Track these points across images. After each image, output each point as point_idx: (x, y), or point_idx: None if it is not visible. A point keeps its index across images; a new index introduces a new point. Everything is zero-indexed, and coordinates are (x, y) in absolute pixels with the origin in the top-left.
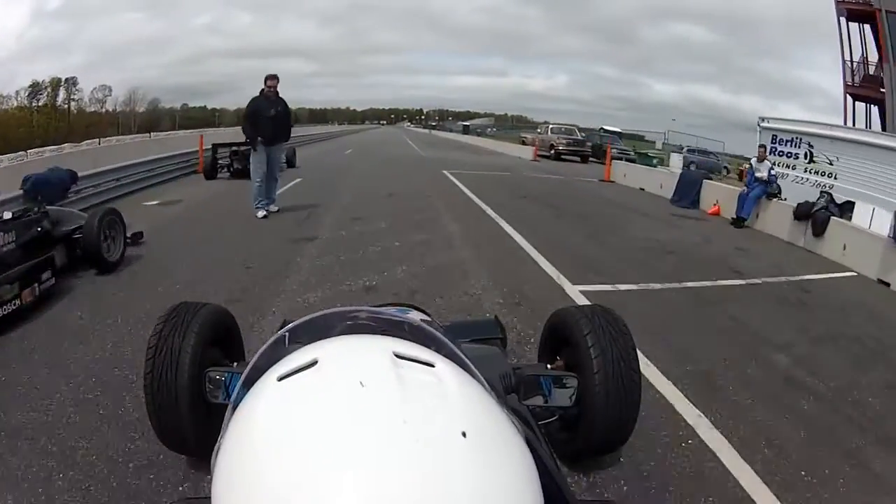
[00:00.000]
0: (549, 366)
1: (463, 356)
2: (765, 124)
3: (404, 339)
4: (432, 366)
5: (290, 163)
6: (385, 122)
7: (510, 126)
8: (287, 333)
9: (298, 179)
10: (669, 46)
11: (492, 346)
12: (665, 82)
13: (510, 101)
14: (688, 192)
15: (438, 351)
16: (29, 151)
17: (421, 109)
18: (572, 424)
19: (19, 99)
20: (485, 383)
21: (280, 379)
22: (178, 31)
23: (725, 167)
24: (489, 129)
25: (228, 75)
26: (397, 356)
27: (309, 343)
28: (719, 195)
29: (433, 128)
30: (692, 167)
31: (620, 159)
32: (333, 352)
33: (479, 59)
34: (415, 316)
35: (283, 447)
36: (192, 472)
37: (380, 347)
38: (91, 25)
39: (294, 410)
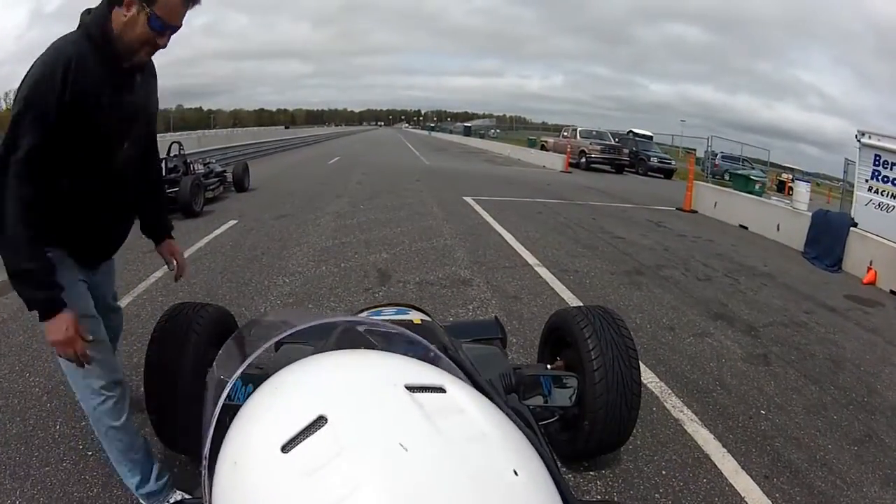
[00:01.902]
0: (549, 366)
1: (463, 356)
2: (866, 140)
3: (405, 353)
4: (444, 390)
5: (240, 185)
6: (382, 122)
7: (508, 126)
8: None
9: (230, 223)
10: (664, 47)
11: (492, 346)
12: (660, 82)
13: (507, 101)
14: (829, 244)
15: (440, 352)
16: None
17: (419, 110)
18: (572, 424)
19: (8, 101)
20: (485, 384)
21: (284, 449)
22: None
23: (759, 178)
24: (492, 131)
25: (224, 77)
26: (409, 388)
27: (303, 345)
28: (873, 252)
29: (433, 129)
30: (727, 176)
31: (661, 171)
32: (340, 401)
33: (476, 61)
34: (415, 316)
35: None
36: (187, 469)
37: (390, 383)
38: None
39: (321, 496)
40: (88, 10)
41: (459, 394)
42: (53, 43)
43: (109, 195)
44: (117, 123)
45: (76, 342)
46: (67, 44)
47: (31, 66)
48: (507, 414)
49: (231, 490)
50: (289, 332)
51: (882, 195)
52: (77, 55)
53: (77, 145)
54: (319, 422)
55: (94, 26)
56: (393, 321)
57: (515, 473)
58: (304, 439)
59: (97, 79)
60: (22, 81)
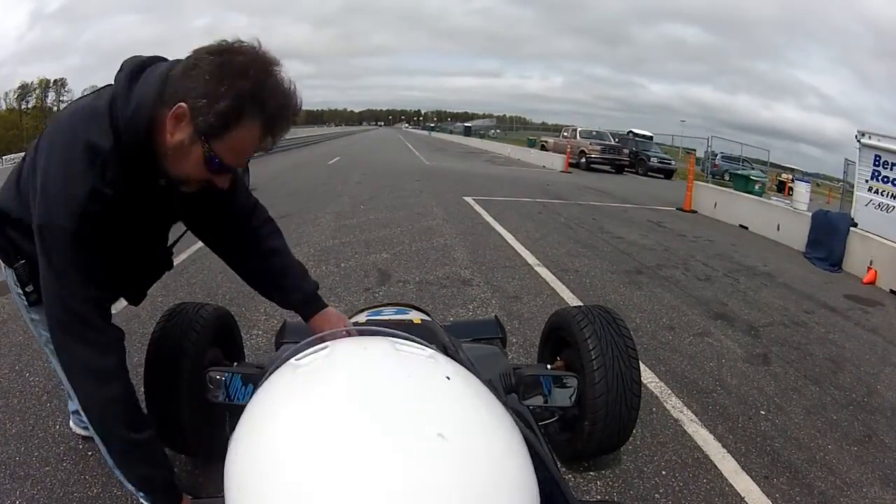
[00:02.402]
0: (549, 366)
1: (463, 355)
2: (866, 140)
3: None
4: (426, 352)
5: None
6: (382, 123)
7: (508, 127)
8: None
9: None
10: (664, 47)
11: (492, 345)
12: (660, 82)
13: (507, 101)
14: (829, 244)
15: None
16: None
17: (419, 110)
18: (572, 424)
19: (8, 101)
20: (485, 384)
21: (296, 361)
22: (174, 33)
23: (759, 178)
24: (493, 131)
25: None
26: (395, 343)
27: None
28: (873, 252)
29: (433, 129)
30: (727, 177)
31: (661, 171)
32: (343, 341)
33: (476, 61)
34: (415, 316)
35: (303, 430)
36: (186, 469)
37: (385, 340)
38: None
39: (310, 389)
40: (129, 84)
41: (443, 360)
42: (70, 127)
43: (147, 266)
44: (159, 228)
45: None
46: (93, 140)
47: (47, 161)
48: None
49: (254, 399)
50: (296, 348)
51: (882, 195)
52: (115, 183)
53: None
54: (324, 348)
55: (133, 134)
56: (393, 321)
57: (448, 378)
58: (310, 353)
59: (133, 204)
60: (42, 180)
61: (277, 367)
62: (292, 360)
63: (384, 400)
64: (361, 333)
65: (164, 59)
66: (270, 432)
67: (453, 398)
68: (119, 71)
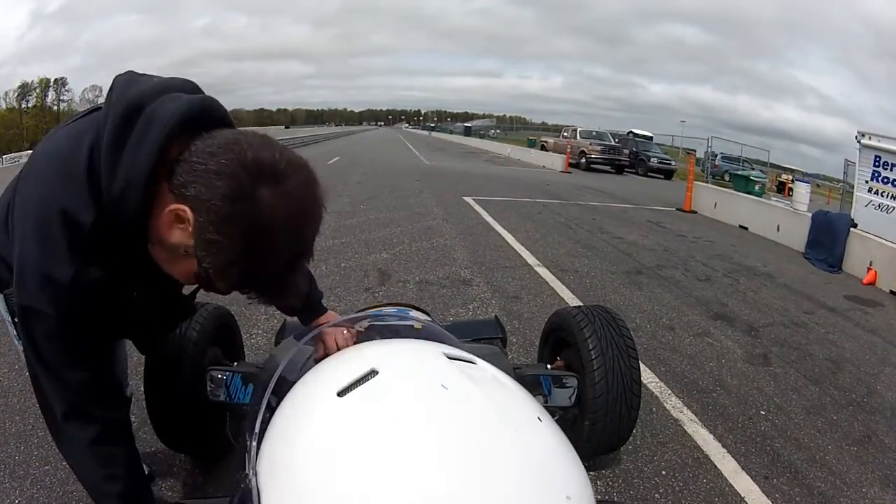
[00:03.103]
0: (548, 366)
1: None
2: (866, 141)
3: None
4: (475, 363)
5: None
6: (382, 123)
7: (508, 127)
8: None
9: None
10: (663, 48)
11: (492, 345)
12: (660, 83)
13: (507, 102)
14: (829, 244)
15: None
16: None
17: (419, 110)
18: (572, 424)
19: (8, 101)
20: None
21: (341, 394)
22: (175, 33)
23: (759, 178)
24: (493, 131)
25: (224, 77)
26: (447, 356)
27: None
28: (873, 253)
29: (433, 129)
30: (727, 177)
31: (661, 171)
32: (388, 358)
33: (475, 61)
34: (416, 316)
35: (361, 469)
36: (186, 468)
37: (430, 350)
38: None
39: (365, 430)
40: (116, 144)
41: (487, 366)
42: (46, 187)
43: (159, 320)
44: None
45: None
46: (71, 214)
47: (22, 233)
48: None
49: (286, 433)
50: (303, 341)
51: (882, 196)
52: (87, 238)
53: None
54: (370, 374)
55: (116, 212)
56: (393, 323)
57: (539, 420)
58: (357, 387)
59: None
60: (19, 257)
61: (297, 371)
62: (332, 391)
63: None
64: (371, 331)
65: (170, 91)
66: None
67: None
68: (108, 100)
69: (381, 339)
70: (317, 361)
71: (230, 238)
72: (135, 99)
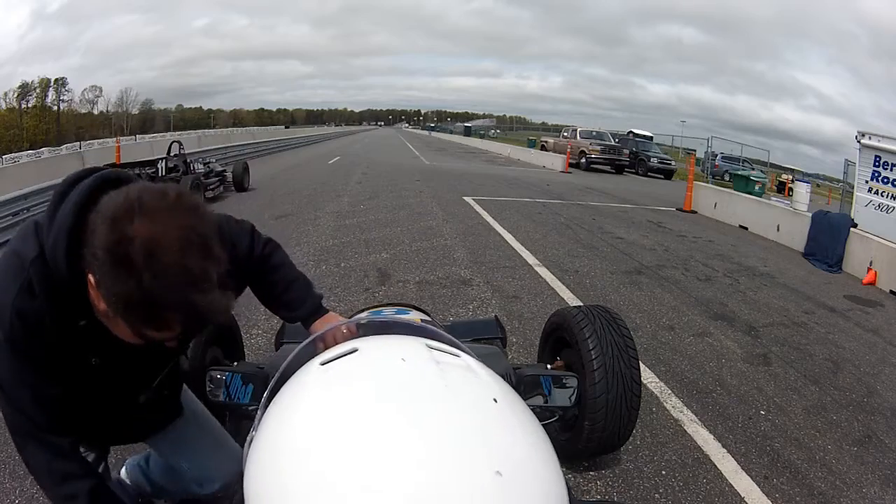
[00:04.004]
0: (549, 366)
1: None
2: (866, 141)
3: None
4: (458, 356)
5: (240, 184)
6: (382, 122)
7: (508, 127)
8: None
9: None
10: (662, 48)
11: (492, 345)
12: (659, 83)
13: (507, 102)
14: (829, 244)
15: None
16: None
17: (419, 110)
18: (572, 424)
19: (8, 101)
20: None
21: (323, 364)
22: (174, 33)
23: (759, 178)
24: (493, 131)
25: (224, 77)
26: (428, 346)
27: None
28: (873, 253)
29: (433, 129)
30: (727, 177)
31: (661, 171)
32: (371, 343)
33: (475, 61)
34: (415, 316)
35: (332, 425)
36: None
37: (413, 339)
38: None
39: (342, 390)
40: (58, 199)
41: (470, 359)
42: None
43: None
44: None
45: None
46: (21, 294)
47: None
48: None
49: (278, 399)
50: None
51: (882, 196)
52: (35, 314)
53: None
54: (352, 351)
55: (51, 260)
56: (392, 322)
57: (495, 401)
58: (338, 359)
59: (67, 339)
60: None
61: (297, 369)
62: (317, 362)
63: (418, 404)
64: (363, 329)
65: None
66: (298, 434)
67: (497, 420)
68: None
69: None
70: None
71: (117, 280)
72: (71, 179)
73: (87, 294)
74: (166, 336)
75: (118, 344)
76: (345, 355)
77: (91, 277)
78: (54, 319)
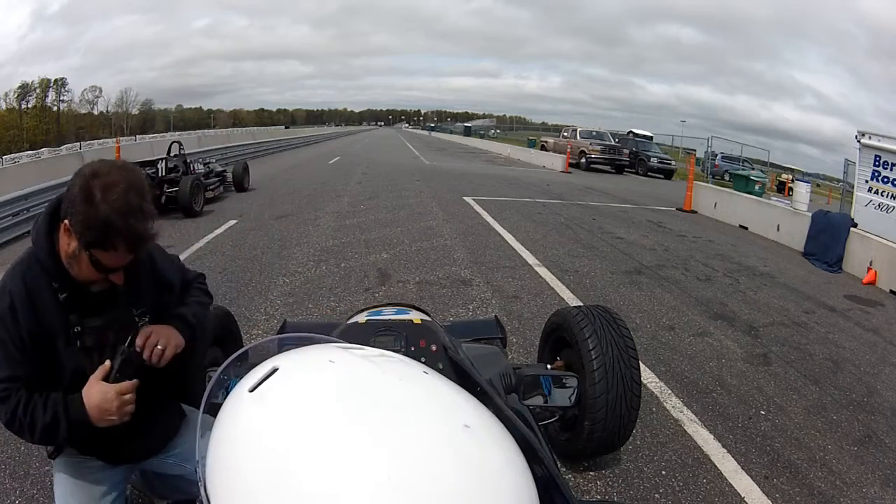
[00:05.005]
0: (549, 365)
1: (463, 355)
2: (866, 140)
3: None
4: (392, 358)
5: (240, 184)
6: (382, 123)
7: (508, 127)
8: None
9: (230, 223)
10: (661, 48)
11: (492, 345)
12: (659, 83)
13: (506, 102)
14: (829, 244)
15: (439, 350)
16: None
17: (419, 110)
18: (572, 424)
19: (8, 101)
20: (485, 384)
21: (251, 391)
22: (175, 33)
23: (759, 178)
24: (492, 131)
25: (224, 77)
26: (349, 350)
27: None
28: (873, 253)
29: (433, 129)
30: (727, 177)
31: (661, 171)
32: (289, 358)
33: (475, 61)
34: (415, 316)
35: (265, 453)
36: None
37: (335, 346)
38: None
39: (266, 418)
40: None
41: (408, 359)
42: (8, 269)
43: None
44: (96, 352)
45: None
46: (13, 276)
47: None
48: (507, 415)
49: (215, 428)
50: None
51: (882, 196)
52: (21, 292)
53: (58, 376)
54: (273, 372)
55: (40, 250)
56: (393, 321)
57: (425, 373)
58: (263, 382)
59: (54, 310)
60: None
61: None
62: (245, 391)
63: (363, 402)
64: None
65: None
66: (245, 473)
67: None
68: None
69: (379, 334)
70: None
71: (83, 208)
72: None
73: (64, 269)
74: (114, 261)
75: (94, 308)
76: (267, 377)
77: (66, 222)
78: (42, 290)
